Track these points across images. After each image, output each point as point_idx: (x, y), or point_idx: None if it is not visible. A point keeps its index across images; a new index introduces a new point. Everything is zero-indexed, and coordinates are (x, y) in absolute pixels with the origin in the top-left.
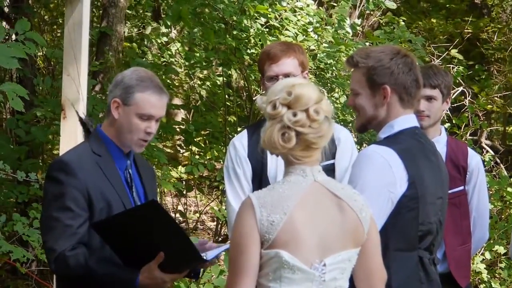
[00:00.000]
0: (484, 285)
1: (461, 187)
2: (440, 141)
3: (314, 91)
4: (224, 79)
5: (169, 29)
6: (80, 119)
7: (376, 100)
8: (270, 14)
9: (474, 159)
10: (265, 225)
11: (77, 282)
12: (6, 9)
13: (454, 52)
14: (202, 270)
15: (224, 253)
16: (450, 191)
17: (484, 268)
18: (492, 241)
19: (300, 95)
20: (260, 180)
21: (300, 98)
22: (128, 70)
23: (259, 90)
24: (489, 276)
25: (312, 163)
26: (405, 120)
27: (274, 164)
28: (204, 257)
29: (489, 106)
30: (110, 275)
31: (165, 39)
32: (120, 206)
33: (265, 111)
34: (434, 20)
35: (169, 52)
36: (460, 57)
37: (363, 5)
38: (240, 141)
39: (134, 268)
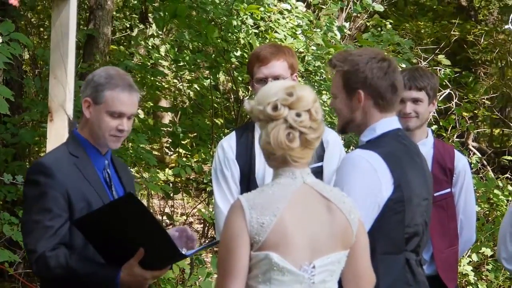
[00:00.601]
0: (471, 287)
1: (448, 189)
2: (426, 143)
3: (311, 92)
4: (212, 81)
5: (160, 31)
6: (69, 121)
7: (352, 104)
8: (258, 16)
9: (460, 162)
10: (255, 227)
11: (59, 282)
12: None
13: (441, 57)
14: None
15: (211, 255)
16: (437, 193)
17: (471, 270)
18: (479, 243)
19: (302, 96)
20: (248, 182)
21: (302, 99)
22: (98, 69)
23: (246, 92)
24: (476, 278)
25: (303, 165)
26: (386, 123)
27: (262, 166)
28: (184, 253)
29: (475, 110)
30: (91, 274)
31: (153, 41)
32: (100, 205)
33: (263, 113)
34: (421, 23)
35: (156, 55)
36: (448, 62)
37: (350, 8)
38: (228, 143)
39: (116, 265)
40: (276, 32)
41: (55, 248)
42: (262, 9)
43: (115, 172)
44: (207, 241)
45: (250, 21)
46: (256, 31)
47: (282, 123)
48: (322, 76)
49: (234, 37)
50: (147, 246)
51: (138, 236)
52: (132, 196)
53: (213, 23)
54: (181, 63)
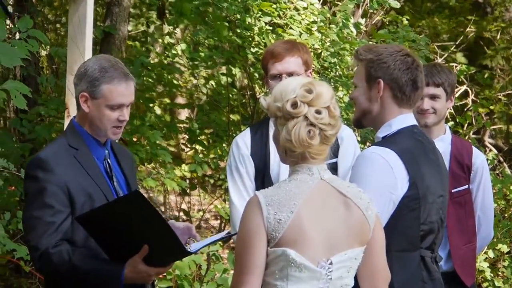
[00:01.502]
0: (487, 283)
1: (466, 186)
2: (444, 139)
3: (329, 88)
4: (228, 78)
5: (173, 28)
6: None
7: (371, 94)
8: (273, 12)
9: (478, 158)
10: (272, 223)
11: (62, 279)
12: (10, 8)
13: (459, 56)
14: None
15: (228, 251)
16: (454, 190)
17: (487, 267)
18: (495, 240)
19: (321, 93)
20: (263, 178)
21: (321, 95)
22: (89, 60)
23: (262, 89)
24: (492, 275)
25: (321, 161)
26: (403, 119)
27: (277, 162)
28: (188, 249)
29: (492, 106)
30: (94, 271)
31: (168, 38)
32: (102, 198)
33: (282, 110)
34: (437, 19)
35: (173, 52)
36: (463, 60)
37: (367, 4)
38: (243, 140)
39: (120, 262)
40: (291, 28)
41: (57, 245)
42: (275, 6)
43: (116, 161)
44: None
45: (264, 19)
46: (271, 28)
47: (303, 120)
48: (338, 73)
49: (249, 34)
50: (151, 243)
51: (142, 233)
52: (138, 194)
53: (228, 19)
54: (196, 62)
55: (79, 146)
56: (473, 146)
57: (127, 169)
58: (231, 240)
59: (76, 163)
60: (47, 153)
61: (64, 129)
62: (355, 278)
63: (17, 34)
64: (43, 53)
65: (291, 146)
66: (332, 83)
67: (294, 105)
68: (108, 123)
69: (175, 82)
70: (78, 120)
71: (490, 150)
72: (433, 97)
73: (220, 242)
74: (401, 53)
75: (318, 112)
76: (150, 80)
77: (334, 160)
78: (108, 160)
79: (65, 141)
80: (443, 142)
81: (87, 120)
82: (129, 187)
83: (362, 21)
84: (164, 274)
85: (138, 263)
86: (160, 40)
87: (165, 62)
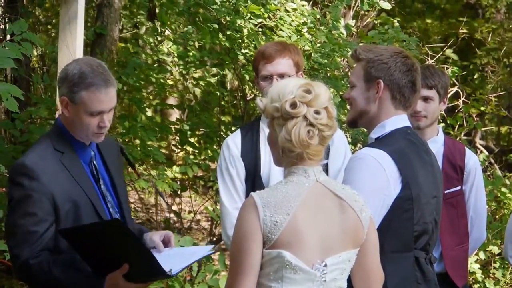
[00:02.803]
0: (479, 285)
1: (458, 187)
2: (437, 141)
3: (327, 89)
4: (219, 79)
5: (163, 29)
6: None
7: (369, 94)
8: (263, 14)
9: (471, 159)
10: (268, 225)
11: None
12: (0, 9)
13: (449, 52)
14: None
15: (218, 253)
16: (447, 191)
17: (479, 268)
18: (486, 241)
19: (319, 94)
20: (253, 180)
21: (320, 96)
22: (70, 64)
23: (253, 90)
24: (483, 276)
25: (317, 162)
26: (396, 121)
27: (268, 164)
28: (169, 273)
29: (482, 107)
30: (74, 285)
31: (158, 38)
32: (88, 204)
33: (280, 110)
34: (428, 21)
35: (161, 52)
36: (455, 57)
37: (357, 6)
38: (234, 141)
39: (101, 275)
40: (281, 30)
41: (38, 255)
42: (262, 9)
43: (102, 161)
44: (214, 239)
45: (254, 21)
46: (261, 29)
47: (302, 120)
48: (328, 74)
49: (239, 35)
50: (131, 262)
51: (122, 254)
52: (118, 222)
53: (218, 21)
54: (186, 59)
55: (65, 149)
56: (465, 148)
57: (113, 168)
58: (222, 242)
59: (62, 168)
60: (32, 159)
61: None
62: (348, 280)
63: (8, 36)
64: (35, 53)
65: (291, 146)
66: None
67: (293, 105)
68: (89, 129)
69: (163, 81)
70: (63, 121)
71: (481, 152)
72: (426, 99)
73: (210, 243)
74: (401, 54)
75: (317, 112)
76: (141, 81)
77: (325, 162)
78: (94, 162)
79: (50, 144)
80: (435, 144)
81: (69, 122)
82: (115, 189)
83: (353, 22)
84: None
85: (119, 279)
86: (151, 39)
87: (154, 59)
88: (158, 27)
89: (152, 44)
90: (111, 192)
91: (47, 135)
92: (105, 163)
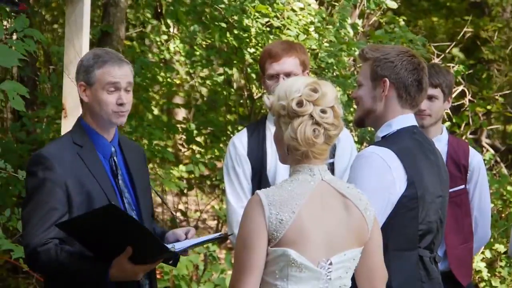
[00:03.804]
0: (484, 283)
1: (462, 186)
2: (441, 139)
3: (333, 88)
4: (225, 77)
5: (168, 29)
6: None
7: (375, 93)
8: (270, 14)
9: (475, 158)
10: (273, 223)
11: (50, 276)
12: (7, 9)
13: (455, 50)
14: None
15: (225, 252)
16: (451, 190)
17: (484, 267)
18: (492, 240)
19: (326, 92)
20: (259, 178)
21: (326, 95)
22: (86, 53)
23: (260, 89)
24: (489, 275)
25: (322, 161)
26: (403, 120)
27: (274, 162)
28: (172, 249)
29: (488, 106)
30: (80, 271)
31: (164, 36)
32: (103, 197)
33: (287, 108)
34: (434, 19)
35: (168, 50)
36: (461, 55)
37: (364, 5)
38: (240, 140)
39: (106, 261)
40: (288, 29)
41: (46, 243)
42: (270, 8)
43: (123, 159)
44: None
45: (262, 20)
46: (268, 29)
47: (308, 119)
48: (335, 73)
49: (246, 35)
50: (135, 245)
51: (124, 237)
52: (113, 207)
53: (225, 20)
54: (193, 58)
55: (84, 143)
56: (470, 146)
57: (134, 167)
58: (228, 241)
59: (79, 160)
60: (50, 150)
61: (62, 130)
62: (352, 278)
63: (14, 34)
64: (40, 53)
65: (296, 144)
66: None
67: (300, 103)
68: (107, 107)
69: (169, 81)
70: (83, 117)
71: (487, 150)
72: (430, 97)
73: (217, 243)
74: (408, 53)
75: (323, 111)
76: (147, 80)
77: (331, 161)
78: (115, 158)
79: (70, 138)
80: (439, 142)
81: (89, 111)
82: (133, 185)
83: (359, 21)
84: (162, 274)
85: (124, 263)
86: (157, 39)
87: (161, 57)
88: (164, 26)
89: (159, 42)
90: (130, 190)
91: (69, 132)
92: (125, 161)
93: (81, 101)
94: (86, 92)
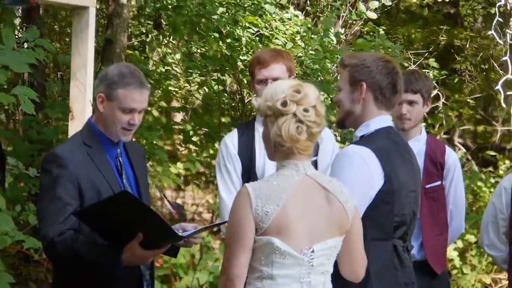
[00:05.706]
0: (457, 270)
1: (439, 182)
2: (420, 139)
3: (315, 90)
4: (219, 84)
5: (168, 39)
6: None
7: (354, 96)
8: (260, 24)
9: (451, 157)
10: (260, 215)
11: (67, 265)
12: (18, 20)
13: (431, 61)
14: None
15: (219, 242)
16: (428, 186)
17: (457, 256)
18: (464, 231)
19: (308, 93)
20: (249, 175)
21: (308, 95)
22: (111, 66)
23: (251, 93)
24: (461, 263)
25: (306, 157)
26: (380, 120)
27: (262, 160)
28: (181, 234)
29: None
30: (95, 258)
31: (166, 49)
32: (110, 193)
33: (272, 108)
34: (412, 29)
35: (170, 60)
36: (436, 65)
37: (346, 15)
38: (231, 140)
39: (118, 247)
40: (276, 38)
41: (63, 233)
42: (259, 20)
43: (128, 159)
44: (214, 230)
45: (251, 30)
46: (258, 38)
47: (292, 117)
48: (319, 79)
49: (237, 44)
50: (145, 230)
51: (136, 223)
52: (127, 193)
53: (218, 31)
54: (191, 71)
55: (93, 144)
56: (446, 146)
57: (137, 167)
58: (221, 232)
59: (88, 159)
60: (63, 149)
61: (69, 132)
62: (335, 264)
63: (25, 43)
64: (50, 60)
65: (281, 140)
66: None
67: (284, 103)
68: (119, 124)
69: (170, 88)
70: (95, 120)
71: (459, 149)
72: (410, 102)
73: (211, 234)
74: (383, 59)
75: (305, 110)
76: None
77: (314, 158)
78: (120, 158)
79: (80, 139)
80: (418, 142)
81: (102, 120)
82: (137, 183)
83: (342, 31)
84: (161, 263)
85: (135, 248)
86: (158, 50)
87: (163, 69)
88: (161, 36)
89: (163, 52)
90: (133, 187)
91: (79, 132)
92: (130, 161)
93: (96, 107)
94: (104, 104)
